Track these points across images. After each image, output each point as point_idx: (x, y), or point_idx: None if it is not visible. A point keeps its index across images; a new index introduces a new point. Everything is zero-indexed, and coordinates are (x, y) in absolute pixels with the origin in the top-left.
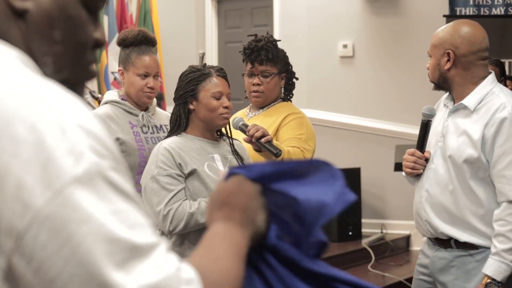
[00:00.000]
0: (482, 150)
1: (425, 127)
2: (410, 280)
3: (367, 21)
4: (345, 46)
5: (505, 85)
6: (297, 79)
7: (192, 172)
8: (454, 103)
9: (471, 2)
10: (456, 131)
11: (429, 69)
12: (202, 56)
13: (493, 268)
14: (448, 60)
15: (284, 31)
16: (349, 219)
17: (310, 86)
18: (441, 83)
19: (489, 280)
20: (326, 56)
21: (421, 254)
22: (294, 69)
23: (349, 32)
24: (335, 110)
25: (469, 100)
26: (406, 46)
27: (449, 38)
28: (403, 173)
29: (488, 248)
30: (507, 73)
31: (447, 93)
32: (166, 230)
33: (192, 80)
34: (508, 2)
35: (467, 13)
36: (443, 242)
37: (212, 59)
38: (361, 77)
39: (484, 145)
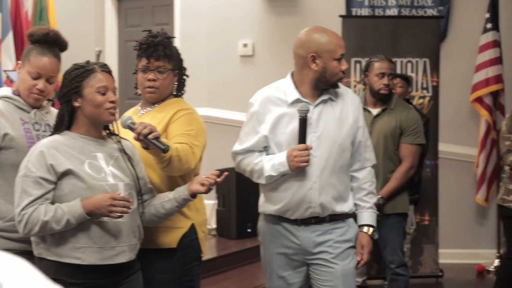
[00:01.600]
0: (354, 129)
1: (304, 122)
2: None
3: (266, 20)
4: (245, 45)
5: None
6: (187, 76)
7: (68, 172)
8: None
9: (366, 3)
10: (331, 120)
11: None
12: (99, 54)
13: (371, 218)
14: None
15: (185, 29)
16: (248, 217)
17: (211, 84)
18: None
19: (371, 228)
20: (227, 55)
21: (284, 238)
22: (195, 68)
23: (249, 31)
24: (236, 108)
25: (331, 92)
26: None
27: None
28: (278, 172)
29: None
30: (398, 71)
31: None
32: (21, 233)
33: (76, 77)
34: (401, 3)
35: (363, 14)
36: (323, 218)
37: (111, 58)
38: (261, 75)
39: (354, 124)
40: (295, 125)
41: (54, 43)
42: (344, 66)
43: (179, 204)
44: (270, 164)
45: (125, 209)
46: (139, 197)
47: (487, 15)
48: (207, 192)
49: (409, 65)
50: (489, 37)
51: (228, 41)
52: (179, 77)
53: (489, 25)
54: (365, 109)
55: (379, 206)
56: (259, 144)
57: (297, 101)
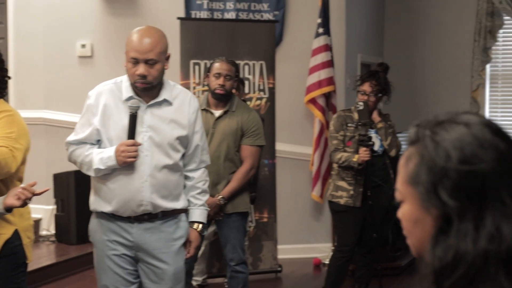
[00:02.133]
0: (187, 132)
1: (134, 118)
2: None
3: (105, 21)
4: (83, 45)
5: (238, 86)
6: (9, 77)
7: None
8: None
9: (205, 6)
10: (164, 121)
11: (149, 74)
12: None
13: (202, 216)
14: (167, 61)
15: (19, 29)
16: (88, 221)
17: (48, 86)
18: (160, 83)
19: (201, 225)
20: (64, 55)
21: (117, 236)
22: (31, 69)
23: (88, 31)
24: (75, 111)
25: (167, 94)
26: None
27: (167, 42)
28: (106, 165)
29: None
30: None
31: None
32: None
33: None
34: (239, 7)
35: (202, 17)
36: (155, 215)
37: None
38: (100, 77)
39: (190, 128)
40: (126, 121)
41: None
42: (138, 71)
43: None
44: (99, 157)
45: None
46: None
47: (319, 20)
48: (22, 206)
49: (246, 67)
50: (321, 41)
51: (65, 42)
52: (0, 78)
53: (320, 30)
54: (207, 111)
55: (220, 206)
56: (91, 136)
57: (130, 98)
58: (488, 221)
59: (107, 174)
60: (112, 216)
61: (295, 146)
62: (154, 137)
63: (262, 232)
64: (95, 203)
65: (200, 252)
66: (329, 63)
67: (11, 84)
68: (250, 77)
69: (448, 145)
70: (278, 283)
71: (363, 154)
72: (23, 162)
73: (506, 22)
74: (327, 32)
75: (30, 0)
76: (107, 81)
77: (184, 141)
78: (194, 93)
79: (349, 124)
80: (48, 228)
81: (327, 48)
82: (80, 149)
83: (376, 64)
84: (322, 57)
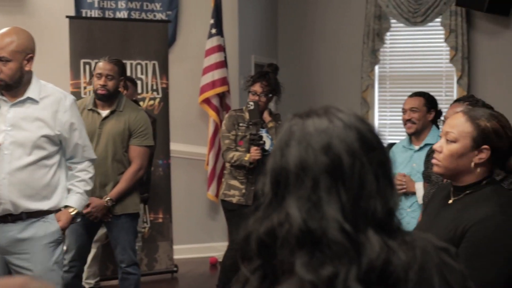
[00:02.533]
0: (57, 132)
1: None
2: None
3: None
4: None
5: (125, 85)
6: None
7: None
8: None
9: (96, 5)
10: (27, 120)
11: (1, 72)
12: None
13: (78, 202)
14: (29, 62)
15: None
16: None
17: None
18: (20, 82)
19: (76, 211)
20: None
21: None
22: None
23: None
24: None
25: (33, 93)
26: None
27: (29, 43)
28: None
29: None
30: (129, 74)
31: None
32: None
33: None
34: (131, 7)
35: (92, 15)
36: (19, 216)
37: None
38: None
39: (63, 127)
40: None
41: None
42: None
43: None
44: None
45: None
46: None
47: (212, 21)
48: None
49: (138, 67)
50: (214, 41)
51: None
52: None
53: (213, 31)
54: (94, 111)
55: (108, 208)
56: None
57: None
58: (286, 204)
59: None
60: None
61: (190, 146)
62: (16, 136)
63: (157, 233)
64: None
65: (92, 255)
66: (223, 64)
67: None
68: (143, 77)
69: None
70: (174, 283)
71: (254, 153)
72: None
73: (393, 25)
74: (220, 32)
75: None
76: None
77: (53, 140)
78: (85, 93)
79: (241, 124)
80: None
81: (221, 48)
82: None
83: (267, 64)
84: (215, 58)
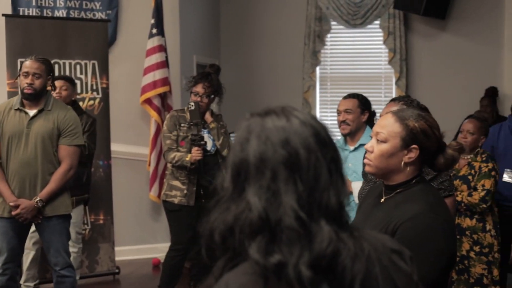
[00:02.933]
0: None
1: None
2: None
3: None
4: None
5: (53, 84)
6: None
7: None
8: None
9: (34, 3)
10: None
11: None
12: None
13: None
14: None
15: None
16: None
17: None
18: None
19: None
20: None
21: None
22: None
23: None
24: None
25: None
26: None
27: None
28: None
29: None
30: (68, 73)
31: None
32: None
33: None
34: (70, 5)
35: (30, 14)
36: None
37: None
38: None
39: None
40: None
41: None
42: None
43: None
44: None
45: None
46: None
47: (152, 21)
48: None
49: (78, 66)
50: (155, 41)
51: None
52: None
53: (154, 30)
54: (21, 110)
55: (38, 209)
56: None
57: None
58: (247, 194)
59: None
60: None
61: (131, 146)
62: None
63: (98, 234)
64: None
65: (31, 257)
66: (164, 64)
67: None
68: (82, 76)
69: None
70: (115, 285)
71: (196, 153)
72: None
73: (333, 27)
74: (161, 32)
75: None
76: None
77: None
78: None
79: (182, 124)
80: None
81: (162, 48)
82: None
83: (209, 65)
84: (156, 58)
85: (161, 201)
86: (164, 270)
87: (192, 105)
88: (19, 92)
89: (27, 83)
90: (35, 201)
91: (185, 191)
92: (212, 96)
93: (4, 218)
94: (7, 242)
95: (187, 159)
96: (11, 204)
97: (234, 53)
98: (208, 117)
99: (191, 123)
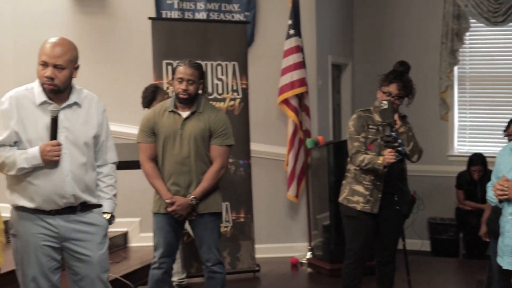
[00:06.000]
0: (97, 131)
1: (55, 121)
2: (127, 276)
3: (75, 19)
4: None
5: (204, 87)
6: None
7: None
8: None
9: (176, 6)
10: (77, 122)
11: (56, 78)
12: None
13: (110, 206)
14: (76, 70)
15: None
16: None
17: (17, 82)
18: (67, 88)
19: (110, 215)
20: (34, 52)
21: (41, 228)
22: (0, 65)
23: (56, 29)
24: None
25: (76, 97)
26: (112, 46)
27: (77, 54)
28: (31, 164)
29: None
30: (209, 75)
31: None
32: None
33: None
34: (210, 8)
35: (172, 16)
36: (75, 208)
37: None
38: None
39: (99, 128)
40: (43, 123)
41: None
42: (46, 73)
43: None
44: (23, 157)
45: None
46: None
47: (290, 22)
48: None
49: (219, 68)
50: (292, 42)
51: (34, 38)
52: None
53: (291, 31)
54: (175, 112)
55: (192, 206)
56: (10, 138)
57: (44, 103)
58: None
59: (29, 172)
60: (34, 210)
61: (269, 146)
62: (69, 137)
63: (239, 232)
64: (16, 198)
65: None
66: (301, 64)
67: None
68: (224, 77)
69: None
70: (256, 282)
71: (389, 155)
72: None
73: (472, 25)
74: (298, 33)
75: None
76: (18, 88)
77: (96, 139)
78: (169, 93)
79: (370, 126)
80: None
81: (299, 49)
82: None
83: (398, 63)
84: (294, 58)
85: (340, 204)
86: (342, 279)
87: (386, 104)
88: (173, 95)
89: (182, 89)
90: (190, 198)
91: (369, 197)
92: (404, 97)
93: (160, 214)
94: (164, 237)
95: (379, 161)
96: (167, 201)
97: (367, 53)
98: (397, 120)
99: (383, 123)
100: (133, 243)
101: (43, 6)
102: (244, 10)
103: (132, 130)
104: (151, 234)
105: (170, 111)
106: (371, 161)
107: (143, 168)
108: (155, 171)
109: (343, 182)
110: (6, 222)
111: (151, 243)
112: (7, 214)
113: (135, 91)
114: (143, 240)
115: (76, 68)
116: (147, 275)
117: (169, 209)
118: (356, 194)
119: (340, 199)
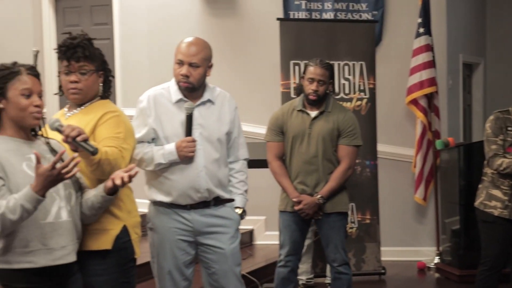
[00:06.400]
0: (230, 128)
1: (190, 118)
2: (252, 273)
3: (205, 21)
4: None
5: (333, 87)
6: (113, 77)
7: (10, 175)
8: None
9: (304, 7)
10: (210, 119)
11: (191, 76)
12: (36, 54)
13: (242, 202)
14: (210, 69)
15: (124, 29)
16: None
17: (152, 84)
18: (201, 86)
19: (241, 209)
20: (167, 54)
21: (176, 222)
22: (136, 68)
23: (189, 32)
24: None
25: (209, 95)
26: (243, 46)
27: (211, 53)
28: (168, 160)
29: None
30: (336, 75)
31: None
32: None
33: (0, 79)
34: (337, 7)
35: (300, 17)
36: (209, 202)
37: (50, 58)
38: None
39: (231, 124)
40: (179, 120)
41: None
42: (182, 71)
43: (98, 201)
44: (160, 153)
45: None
46: (78, 195)
47: (419, 20)
48: (115, 187)
49: (346, 68)
50: (422, 41)
51: (168, 41)
52: (104, 79)
53: (421, 30)
54: (303, 111)
55: (319, 205)
56: (148, 135)
57: (180, 100)
58: None
59: (166, 167)
60: (170, 205)
61: (396, 147)
62: (203, 133)
63: (365, 234)
64: (153, 193)
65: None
66: (431, 64)
67: (117, 82)
68: (350, 77)
69: None
70: (382, 285)
71: None
72: (129, 161)
73: None
74: (428, 32)
75: (134, 2)
76: (155, 87)
77: (228, 136)
78: (295, 94)
79: (510, 128)
80: None
81: (428, 48)
82: (138, 148)
83: None
84: (423, 57)
85: (476, 209)
86: (476, 286)
87: None
88: (302, 95)
89: (312, 90)
90: (317, 197)
91: (507, 203)
92: None
93: (287, 212)
94: (290, 235)
95: None
96: (294, 199)
97: (502, 53)
98: None
99: None
100: (259, 241)
101: (175, 11)
102: (372, 9)
103: (259, 130)
104: (276, 233)
105: (298, 110)
106: (510, 165)
107: (270, 167)
108: (283, 170)
109: (479, 186)
110: (142, 216)
111: (276, 242)
112: (143, 209)
113: (262, 91)
114: (268, 238)
115: (210, 66)
116: (272, 273)
117: (296, 208)
118: (493, 199)
119: (476, 203)
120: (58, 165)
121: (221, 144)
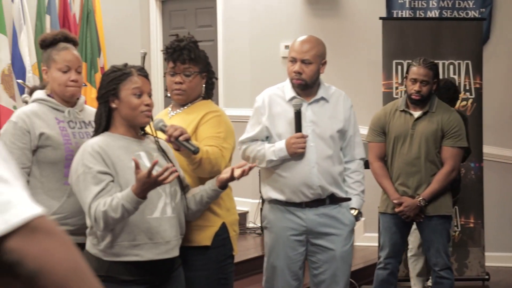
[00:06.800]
0: (344, 126)
1: (298, 115)
2: (351, 274)
3: (307, 22)
4: (287, 47)
5: (437, 87)
6: (216, 79)
7: (120, 171)
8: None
9: (407, 5)
10: (324, 116)
11: (303, 73)
12: (144, 56)
13: (358, 202)
14: (323, 66)
15: (227, 32)
16: None
17: (253, 85)
18: (315, 83)
19: (357, 211)
20: (269, 56)
21: (290, 221)
22: (238, 69)
23: (291, 33)
24: None
25: (324, 93)
26: (344, 46)
27: (325, 50)
28: (278, 156)
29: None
30: (440, 75)
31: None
32: (100, 230)
33: (113, 79)
34: (442, 5)
35: (403, 16)
36: (324, 200)
37: (157, 60)
38: None
39: (346, 123)
40: (292, 118)
41: (65, 40)
42: (294, 68)
43: (208, 195)
44: (271, 150)
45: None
46: (182, 193)
47: None
48: (231, 179)
49: (451, 67)
50: None
51: (270, 43)
52: (207, 80)
53: None
54: (406, 112)
55: (421, 208)
56: (262, 133)
57: (293, 98)
58: None
59: (278, 164)
60: (285, 203)
61: (503, 149)
62: (316, 130)
63: (468, 238)
64: (268, 191)
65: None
66: None
67: (220, 83)
68: (456, 77)
69: None
70: None
71: None
72: (229, 161)
73: None
74: None
75: (237, 4)
76: (271, 87)
77: (342, 134)
78: (397, 94)
79: None
80: (254, 221)
81: None
82: (252, 145)
83: None
84: None
85: None
86: None
87: None
88: (405, 95)
89: (415, 90)
90: (418, 200)
91: None
92: None
93: (387, 214)
94: (389, 238)
95: None
96: (394, 201)
97: None
98: None
99: None
100: (357, 242)
101: (277, 11)
102: (479, 7)
103: (360, 130)
104: (375, 234)
105: (401, 111)
106: None
107: (371, 167)
108: (384, 171)
109: None
110: (240, 215)
111: (375, 243)
112: (241, 207)
113: (363, 91)
114: (367, 240)
115: (324, 63)
116: (371, 274)
117: (397, 210)
118: None
119: None
120: (154, 173)
121: (334, 141)
